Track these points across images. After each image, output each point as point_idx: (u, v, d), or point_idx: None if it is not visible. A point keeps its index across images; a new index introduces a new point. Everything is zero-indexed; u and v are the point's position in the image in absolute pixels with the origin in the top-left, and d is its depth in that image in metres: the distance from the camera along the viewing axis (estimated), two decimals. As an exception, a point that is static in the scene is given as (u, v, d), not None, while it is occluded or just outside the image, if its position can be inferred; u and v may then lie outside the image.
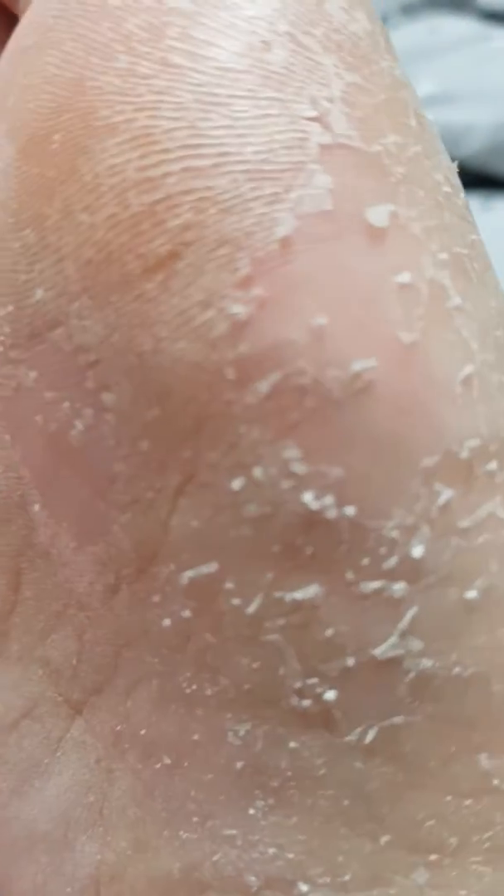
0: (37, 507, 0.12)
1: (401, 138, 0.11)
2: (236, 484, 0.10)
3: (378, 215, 0.10)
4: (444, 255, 0.11)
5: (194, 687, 0.11)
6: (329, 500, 0.10)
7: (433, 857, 0.11)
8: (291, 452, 0.10)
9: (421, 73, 0.55)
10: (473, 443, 0.10)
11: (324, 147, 0.10)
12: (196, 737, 0.12)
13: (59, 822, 0.13)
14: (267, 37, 0.10)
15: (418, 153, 0.11)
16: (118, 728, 0.12)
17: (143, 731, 0.12)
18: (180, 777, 0.12)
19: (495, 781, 0.11)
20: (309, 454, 0.10)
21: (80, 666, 0.13)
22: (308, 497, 0.10)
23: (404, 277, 0.10)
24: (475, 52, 0.55)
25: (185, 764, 0.12)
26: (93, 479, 0.11)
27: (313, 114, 0.10)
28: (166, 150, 0.10)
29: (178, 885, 0.12)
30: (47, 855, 0.14)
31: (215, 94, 0.10)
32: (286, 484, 0.10)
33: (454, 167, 0.12)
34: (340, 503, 0.10)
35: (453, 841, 0.11)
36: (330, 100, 0.10)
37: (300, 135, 0.10)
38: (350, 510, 0.10)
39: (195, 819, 0.12)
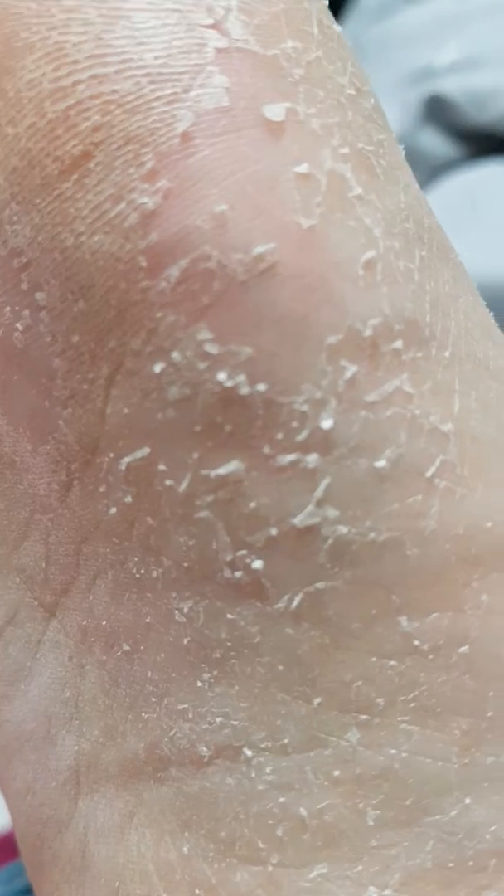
0: None
1: (301, 44, 0.11)
2: (158, 368, 0.11)
3: (275, 111, 0.11)
4: (345, 150, 0.11)
5: (142, 571, 0.12)
6: (241, 377, 0.11)
7: (363, 717, 0.11)
8: (204, 334, 0.11)
9: (448, 41, 0.55)
10: (376, 321, 0.11)
11: (220, 50, 0.11)
12: (148, 619, 0.12)
13: (42, 719, 0.14)
14: None
15: (319, 58, 0.11)
16: (84, 623, 0.13)
17: (104, 623, 0.13)
18: (139, 661, 0.13)
19: (416, 643, 0.11)
20: (220, 335, 0.11)
21: (48, 568, 0.14)
22: (222, 376, 0.11)
23: (302, 168, 0.11)
24: (502, 17, 0.55)
25: (142, 648, 0.13)
26: (36, 377, 0.12)
27: (210, 21, 0.11)
28: (75, 62, 0.11)
29: (143, 765, 0.13)
30: (34, 753, 0.15)
31: (118, 9, 0.11)
32: (202, 365, 0.11)
33: (364, 75, 0.12)
34: (252, 381, 0.11)
35: (381, 701, 0.11)
36: (227, 9, 0.11)
37: (197, 41, 0.11)
38: (261, 387, 0.11)
39: (153, 699, 0.13)
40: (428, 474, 0.11)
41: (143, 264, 0.11)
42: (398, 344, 0.11)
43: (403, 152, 0.13)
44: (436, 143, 0.52)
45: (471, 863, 0.11)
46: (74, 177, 0.11)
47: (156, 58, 0.11)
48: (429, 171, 0.52)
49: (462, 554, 0.11)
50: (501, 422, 0.12)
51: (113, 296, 0.11)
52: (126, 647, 0.13)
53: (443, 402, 0.11)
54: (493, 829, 0.11)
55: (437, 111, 0.52)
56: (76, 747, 0.14)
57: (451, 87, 0.51)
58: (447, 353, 0.12)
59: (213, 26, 0.11)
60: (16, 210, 0.11)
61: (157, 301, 0.11)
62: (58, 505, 0.13)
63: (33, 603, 0.14)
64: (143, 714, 0.13)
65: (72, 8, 0.11)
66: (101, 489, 0.12)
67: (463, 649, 0.11)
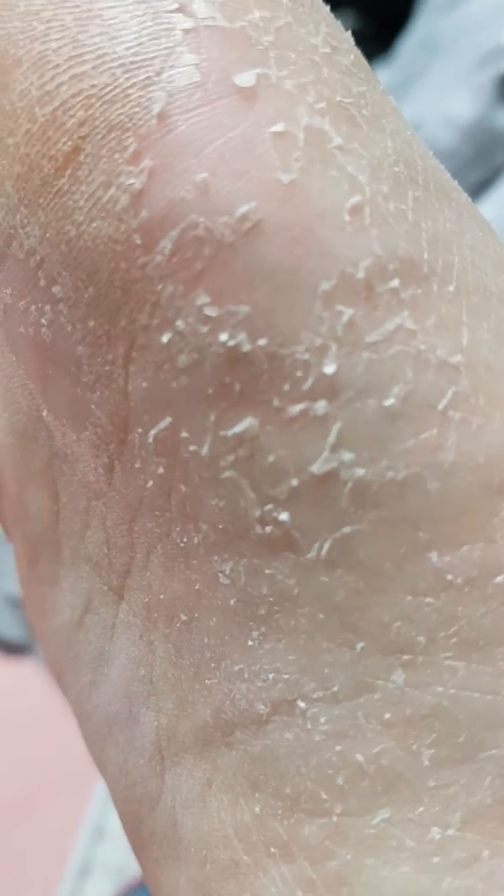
0: (45, 413, 0.14)
1: (268, 13, 0.12)
2: (165, 338, 0.11)
3: (245, 78, 0.11)
4: (321, 105, 0.11)
5: (185, 539, 0.13)
6: (242, 335, 0.11)
7: (406, 657, 0.11)
8: (202, 299, 0.11)
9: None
10: (367, 263, 0.11)
11: (187, 31, 0.11)
12: (197, 586, 0.13)
13: (124, 700, 0.15)
14: None
15: (289, 23, 0.12)
16: (146, 600, 0.14)
17: (162, 597, 0.14)
18: (196, 629, 0.13)
19: (449, 577, 0.11)
20: (217, 298, 0.11)
21: (110, 553, 0.14)
22: (224, 336, 0.11)
23: (278, 127, 0.11)
24: None
25: (196, 615, 0.13)
26: (66, 367, 0.13)
27: (175, 6, 0.11)
28: (57, 66, 0.11)
29: (213, 731, 0.13)
30: (122, 734, 0.15)
31: (90, 10, 0.11)
32: (204, 329, 0.11)
33: (343, 34, 0.13)
34: (252, 337, 0.11)
35: (421, 639, 0.11)
36: None
37: (165, 26, 0.11)
38: (262, 341, 0.11)
39: (212, 664, 0.13)
40: (440, 407, 0.11)
41: (139, 242, 0.11)
42: (395, 283, 0.11)
43: (484, 135, 0.13)
44: (514, 121, 0.51)
45: None
46: (68, 171, 0.11)
47: (127, 48, 0.11)
48: (511, 151, 0.51)
49: (486, 483, 0.11)
50: None
51: (116, 276, 0.12)
52: (184, 618, 0.13)
53: (450, 336, 0.11)
54: None
55: (512, 88, 0.51)
56: (155, 723, 0.14)
57: (522, 61, 0.50)
58: (451, 288, 0.12)
59: (178, 10, 0.11)
60: (25, 213, 0.12)
61: (155, 274, 0.11)
62: (107, 488, 0.14)
63: (103, 588, 0.15)
64: (206, 681, 0.13)
65: (49, 18, 0.12)
66: (137, 465, 0.13)
67: (499, 579, 0.11)
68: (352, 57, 0.12)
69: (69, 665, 0.16)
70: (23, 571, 0.17)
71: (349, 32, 0.13)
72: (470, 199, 0.13)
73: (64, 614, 0.16)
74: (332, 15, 0.13)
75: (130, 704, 0.15)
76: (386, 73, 0.71)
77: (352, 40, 0.13)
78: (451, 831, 0.11)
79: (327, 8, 0.13)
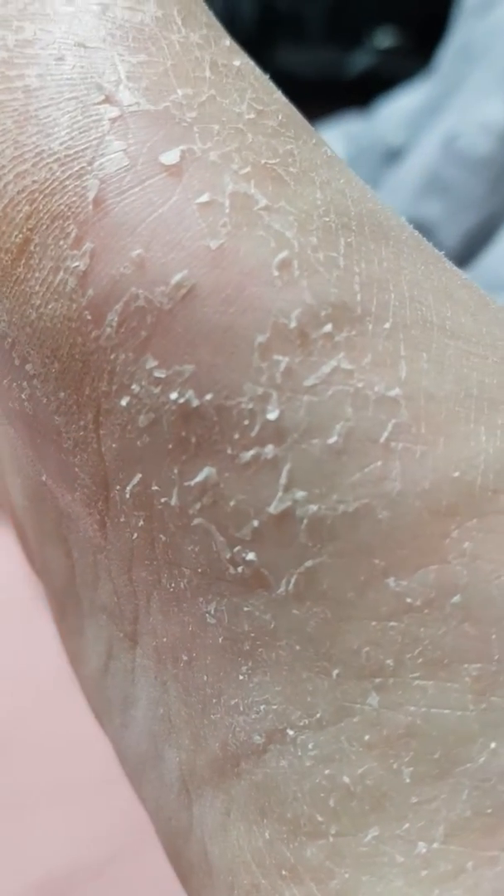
0: (45, 477, 0.15)
1: (191, 90, 0.13)
2: (125, 402, 0.12)
3: (170, 156, 0.12)
4: (246, 170, 0.12)
5: (173, 585, 0.14)
6: (190, 392, 0.12)
7: (378, 680, 0.12)
8: (151, 363, 0.12)
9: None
10: (298, 312, 0.12)
11: (114, 120, 0.12)
12: (191, 628, 0.14)
13: (150, 739, 0.16)
14: (60, 53, 0.13)
15: (213, 96, 0.13)
16: (154, 644, 0.15)
17: (165, 640, 0.14)
18: (196, 668, 0.14)
19: (408, 600, 0.12)
20: (163, 360, 0.12)
21: (120, 601, 0.15)
22: (174, 395, 0.12)
23: (204, 198, 0.12)
24: None
25: (194, 655, 0.14)
26: (49, 436, 0.14)
27: (101, 98, 0.12)
28: (3, 167, 0.13)
29: (223, 763, 0.14)
30: (153, 771, 0.16)
31: (27, 112, 0.13)
32: (156, 390, 0.12)
33: (271, 97, 0.13)
34: (199, 393, 0.12)
35: (390, 662, 0.12)
36: (116, 82, 0.13)
37: (94, 118, 0.12)
38: (209, 396, 0.12)
39: (214, 700, 0.14)
40: (382, 440, 0.12)
41: (89, 317, 0.12)
42: (328, 328, 0.12)
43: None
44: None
45: None
46: (23, 261, 0.13)
47: (61, 143, 0.12)
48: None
49: (434, 508, 0.12)
50: (461, 375, 0.12)
51: (76, 350, 0.13)
52: (185, 658, 0.14)
53: (387, 371, 0.12)
54: None
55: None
56: (177, 759, 0.15)
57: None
58: (387, 325, 0.12)
59: (105, 101, 0.12)
60: None
61: (107, 345, 0.12)
62: (104, 542, 0.15)
63: (119, 635, 0.16)
64: (212, 716, 0.14)
65: None
66: (122, 519, 0.14)
67: (455, 599, 0.12)
68: (279, 117, 0.13)
69: (103, 709, 0.17)
70: (57, 624, 0.18)
71: (279, 93, 0.14)
72: (415, 233, 0.14)
73: (92, 662, 0.17)
74: (261, 78, 0.14)
75: (155, 743, 0.16)
76: (427, 87, 0.72)
77: (282, 100, 0.14)
78: (435, 845, 0.12)
79: (257, 72, 0.14)
